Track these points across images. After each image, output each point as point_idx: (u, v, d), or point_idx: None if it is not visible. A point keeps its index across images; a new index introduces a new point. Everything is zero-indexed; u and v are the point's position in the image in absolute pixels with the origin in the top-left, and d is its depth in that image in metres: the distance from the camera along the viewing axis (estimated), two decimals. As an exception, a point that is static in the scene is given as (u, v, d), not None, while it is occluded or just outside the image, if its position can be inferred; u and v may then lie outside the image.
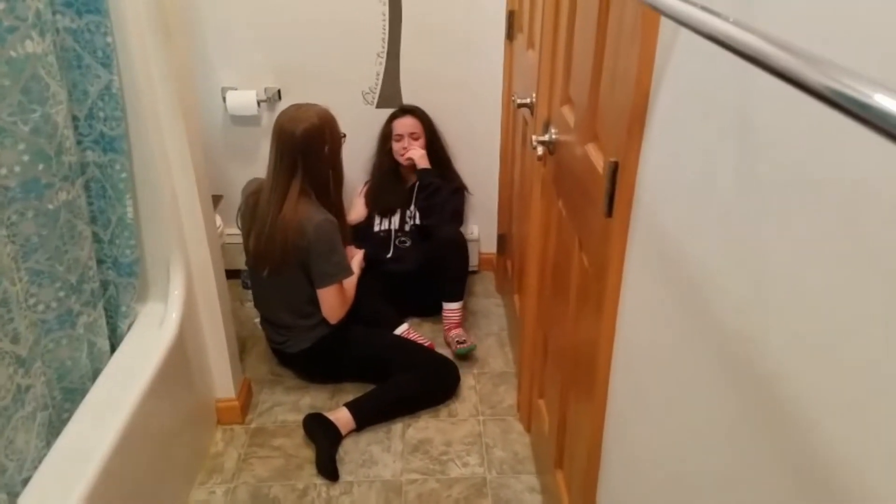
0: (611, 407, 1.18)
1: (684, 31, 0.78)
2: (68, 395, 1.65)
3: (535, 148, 1.60)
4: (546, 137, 1.59)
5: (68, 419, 1.53)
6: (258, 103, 2.66)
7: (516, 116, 2.30)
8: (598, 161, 1.16)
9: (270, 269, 2.12)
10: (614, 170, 1.02)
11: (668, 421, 0.90)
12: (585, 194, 1.25)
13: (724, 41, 0.49)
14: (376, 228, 2.74)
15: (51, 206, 1.49)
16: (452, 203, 2.64)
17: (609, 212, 1.06)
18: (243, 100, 2.65)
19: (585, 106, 1.26)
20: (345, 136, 2.17)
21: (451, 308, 2.54)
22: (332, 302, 2.15)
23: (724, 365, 0.72)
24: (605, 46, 1.14)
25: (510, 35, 2.44)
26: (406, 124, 2.64)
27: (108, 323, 1.79)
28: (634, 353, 1.04)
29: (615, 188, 1.03)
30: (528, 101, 1.83)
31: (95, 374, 1.68)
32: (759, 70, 0.42)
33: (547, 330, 1.77)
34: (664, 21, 0.86)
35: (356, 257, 2.44)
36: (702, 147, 0.76)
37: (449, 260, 2.52)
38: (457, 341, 2.46)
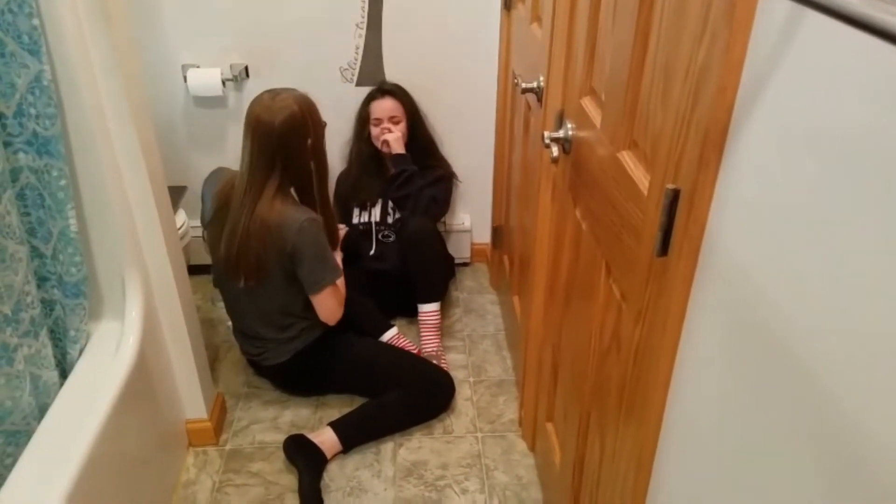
0: (659, 472, 0.98)
1: (809, 18, 0.55)
2: (11, 439, 1.44)
3: (547, 146, 1.37)
4: (561, 134, 1.35)
5: (13, 465, 1.32)
6: (223, 82, 2.38)
7: (515, 97, 2.05)
8: (641, 180, 0.94)
9: (247, 281, 1.86)
10: (673, 199, 0.80)
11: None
12: (620, 217, 1.03)
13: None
14: (355, 220, 2.49)
15: (-28, 227, 1.24)
16: (431, 192, 2.35)
17: (664, 250, 0.84)
18: (206, 79, 2.36)
19: (620, 105, 1.03)
20: (325, 124, 1.91)
21: (426, 311, 2.29)
22: (329, 305, 1.91)
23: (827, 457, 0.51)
24: (651, 30, 0.91)
25: (507, 4, 2.18)
26: (385, 107, 2.37)
27: (56, 347, 1.57)
28: (700, 414, 0.83)
29: (673, 222, 0.81)
30: (534, 85, 1.59)
31: (43, 410, 1.47)
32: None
33: (557, 351, 1.56)
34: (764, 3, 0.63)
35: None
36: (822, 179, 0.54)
37: (417, 255, 2.26)
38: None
